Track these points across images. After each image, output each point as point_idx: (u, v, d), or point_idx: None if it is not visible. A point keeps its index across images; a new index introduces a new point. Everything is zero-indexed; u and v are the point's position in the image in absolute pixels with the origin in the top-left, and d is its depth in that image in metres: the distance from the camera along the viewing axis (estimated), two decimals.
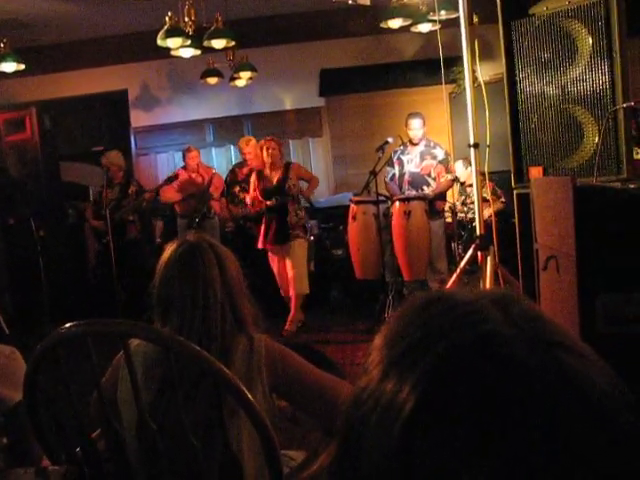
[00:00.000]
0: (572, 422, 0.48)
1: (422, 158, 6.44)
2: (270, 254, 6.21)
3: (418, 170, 6.43)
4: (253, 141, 6.93)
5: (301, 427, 2.05)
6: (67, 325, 1.54)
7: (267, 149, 6.13)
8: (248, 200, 6.53)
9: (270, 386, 1.75)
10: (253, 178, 6.36)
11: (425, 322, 0.56)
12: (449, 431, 0.48)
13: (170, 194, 7.12)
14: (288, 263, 6.06)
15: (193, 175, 7.25)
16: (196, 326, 1.75)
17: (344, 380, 1.83)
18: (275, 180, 6.18)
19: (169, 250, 1.85)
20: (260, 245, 6.19)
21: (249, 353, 1.76)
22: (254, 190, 6.29)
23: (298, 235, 6.07)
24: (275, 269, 6.23)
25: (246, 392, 1.47)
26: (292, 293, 6.05)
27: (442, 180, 6.43)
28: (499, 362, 0.50)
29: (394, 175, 6.57)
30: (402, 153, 6.53)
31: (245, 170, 6.88)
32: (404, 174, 6.49)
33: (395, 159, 6.56)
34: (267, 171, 6.24)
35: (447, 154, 6.50)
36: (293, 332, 5.97)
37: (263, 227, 6.17)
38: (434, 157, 6.42)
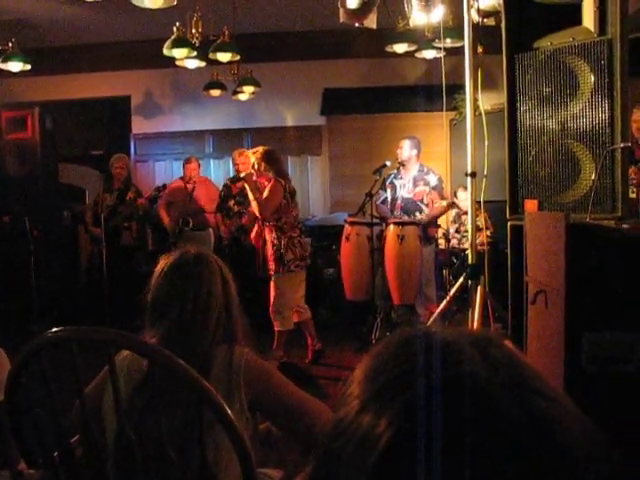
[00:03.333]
0: (543, 467, 0.49)
1: (415, 184, 6.40)
2: None
3: (410, 196, 6.40)
4: (246, 153, 6.95)
5: (276, 451, 2.04)
6: (53, 329, 1.53)
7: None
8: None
9: (249, 401, 1.74)
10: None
11: (404, 359, 0.56)
12: (421, 468, 0.49)
13: (161, 213, 7.22)
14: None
15: (185, 185, 7.31)
16: (182, 332, 1.76)
17: (323, 404, 1.83)
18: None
19: (168, 260, 1.86)
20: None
21: (228, 364, 1.75)
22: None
23: (271, 272, 5.38)
24: None
25: (225, 406, 1.46)
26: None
27: (436, 205, 6.38)
28: (474, 404, 0.51)
29: (386, 199, 6.55)
30: (395, 177, 6.52)
31: (239, 184, 6.88)
32: (396, 199, 6.46)
33: (388, 182, 6.54)
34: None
35: (440, 180, 6.43)
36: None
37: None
38: (427, 183, 6.37)
